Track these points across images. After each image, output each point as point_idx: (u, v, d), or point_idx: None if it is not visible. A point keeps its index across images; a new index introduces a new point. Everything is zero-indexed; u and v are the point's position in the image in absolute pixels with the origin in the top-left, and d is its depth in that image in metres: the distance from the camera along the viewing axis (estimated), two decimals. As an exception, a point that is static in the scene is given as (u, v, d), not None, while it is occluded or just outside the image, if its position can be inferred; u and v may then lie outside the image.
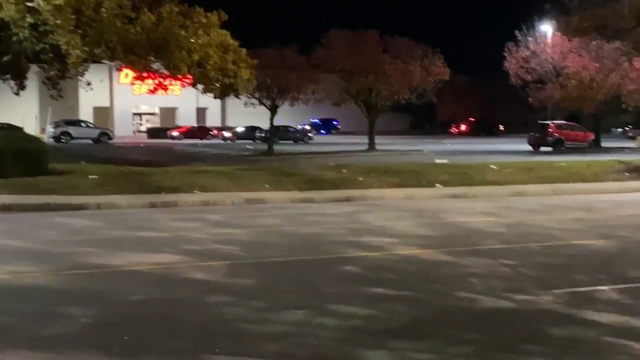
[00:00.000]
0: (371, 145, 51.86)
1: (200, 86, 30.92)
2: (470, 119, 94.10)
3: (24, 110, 75.01)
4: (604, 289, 10.26)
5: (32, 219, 17.05)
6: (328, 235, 14.99)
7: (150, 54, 27.77)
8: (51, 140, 63.38)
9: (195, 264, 11.84)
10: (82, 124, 70.39)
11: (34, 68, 32.17)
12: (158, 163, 33.49)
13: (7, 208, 18.61)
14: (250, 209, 19.59)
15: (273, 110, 48.72)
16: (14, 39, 26.17)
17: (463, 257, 12.55)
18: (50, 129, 66.99)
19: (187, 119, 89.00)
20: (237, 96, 33.10)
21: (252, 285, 10.49)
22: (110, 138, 67.38)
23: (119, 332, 8.15)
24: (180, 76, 29.09)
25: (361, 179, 25.21)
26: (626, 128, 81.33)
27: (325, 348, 7.73)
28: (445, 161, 34.38)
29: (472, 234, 15.25)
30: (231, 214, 18.47)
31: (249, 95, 44.45)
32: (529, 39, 55.10)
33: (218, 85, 29.50)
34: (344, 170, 27.48)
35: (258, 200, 21.09)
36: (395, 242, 14.06)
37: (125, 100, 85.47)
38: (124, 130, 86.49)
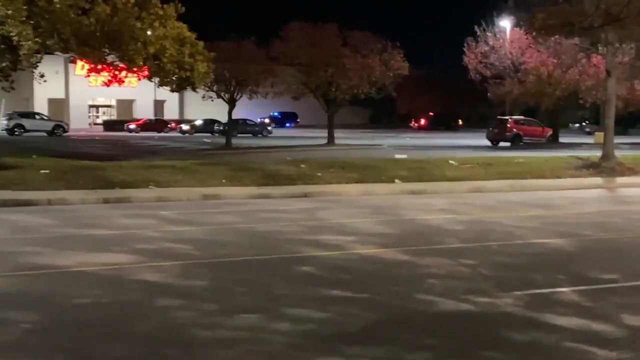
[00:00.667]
0: (330, 140, 51.59)
1: (156, 79, 30.33)
2: (430, 113, 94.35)
3: (-24, 102, 73.38)
4: (564, 291, 10.09)
5: (-22, 215, 16.47)
6: (285, 233, 14.69)
7: (104, 46, 27.13)
8: (4, 133, 62.17)
9: (146, 264, 11.45)
10: (37, 117, 69.08)
11: (-14, 59, 31.30)
12: (112, 157, 32.86)
13: (-48, 204, 18.02)
14: (206, 205, 19.21)
15: (231, 103, 48.17)
16: (-37, 29, 25.34)
17: (422, 256, 12.33)
18: (3, 121, 65.55)
19: (144, 111, 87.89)
20: (194, 89, 32.59)
21: (205, 287, 10.14)
22: (65, 131, 66.22)
23: (61, 339, 7.76)
24: (135, 69, 28.50)
25: (319, 174, 24.95)
26: (583, 124, 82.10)
27: (278, 355, 7.43)
28: (404, 156, 34.21)
29: (431, 232, 15.05)
30: (186, 210, 18.06)
31: (207, 89, 43.84)
32: (488, 34, 55.19)
33: (174, 78, 28.97)
34: (302, 165, 27.20)
35: (214, 196, 20.74)
36: (353, 241, 13.80)
37: (81, 92, 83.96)
38: (80, 122, 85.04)
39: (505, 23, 54.49)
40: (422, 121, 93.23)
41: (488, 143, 53.13)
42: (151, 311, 8.89)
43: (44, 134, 63.75)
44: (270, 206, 19.05)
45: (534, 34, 30.20)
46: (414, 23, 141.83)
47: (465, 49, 56.12)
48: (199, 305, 9.11)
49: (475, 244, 13.66)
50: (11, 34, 24.73)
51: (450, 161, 29.85)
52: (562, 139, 56.93)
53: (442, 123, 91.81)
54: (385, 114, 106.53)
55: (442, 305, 9.31)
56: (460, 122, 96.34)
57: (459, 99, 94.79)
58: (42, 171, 23.12)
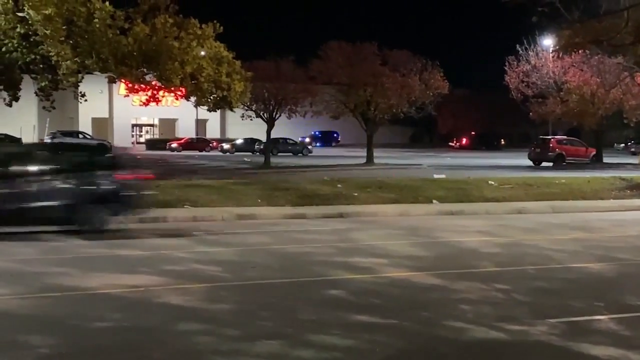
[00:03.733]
0: (369, 159, 51.29)
1: (193, 98, 30.42)
2: (471, 132, 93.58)
3: (22, 120, 74.52)
4: (602, 319, 9.68)
5: (11, 235, 16.44)
6: (316, 255, 14.43)
7: (142, 66, 27.28)
8: (47, 151, 62.89)
9: (172, 286, 11.26)
10: (80, 135, 69.86)
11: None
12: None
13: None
14: (240, 226, 19.05)
15: (270, 122, 48.20)
16: (4, 49, 25.67)
17: (455, 280, 11.98)
18: (47, 140, 66.54)
19: (186, 130, 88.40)
20: (230, 109, 32.63)
21: (229, 310, 9.92)
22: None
23: (78, 365, 7.59)
24: (173, 88, 28.61)
25: (356, 194, 24.67)
26: (628, 143, 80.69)
27: (298, 385, 7.16)
28: (443, 176, 33.82)
29: (466, 255, 14.68)
30: (219, 230, 17.93)
31: (246, 108, 43.90)
32: (530, 53, 54.62)
33: (211, 97, 29.01)
34: (339, 185, 26.95)
35: (249, 216, 20.57)
36: (384, 264, 13.49)
37: (125, 111, 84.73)
38: (123, 141, 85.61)
39: (547, 42, 53.85)
40: (464, 140, 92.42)
41: (530, 163, 52.33)
42: (171, 336, 8.67)
43: (87, 152, 64.28)
44: (304, 227, 18.83)
45: (562, 51, 29.63)
46: (454, 42, 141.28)
47: (506, 68, 55.63)
48: (220, 330, 8.89)
49: (511, 267, 13.27)
50: (50, 53, 25.03)
51: (490, 181, 29.37)
52: (606, 159, 55.87)
53: (484, 142, 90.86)
54: (426, 133, 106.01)
55: (472, 332, 8.96)
56: (502, 141, 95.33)
57: (500, 118, 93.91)
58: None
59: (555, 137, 55.40)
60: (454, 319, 9.56)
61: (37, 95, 31.33)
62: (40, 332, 8.70)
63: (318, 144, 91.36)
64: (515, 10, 23.49)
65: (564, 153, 53.12)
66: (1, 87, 30.14)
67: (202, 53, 28.58)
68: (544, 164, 51.36)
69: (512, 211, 22.71)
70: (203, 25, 28.89)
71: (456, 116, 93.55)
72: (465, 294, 11.00)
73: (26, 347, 8.14)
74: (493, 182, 29.08)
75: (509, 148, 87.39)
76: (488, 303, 10.49)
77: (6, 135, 62.07)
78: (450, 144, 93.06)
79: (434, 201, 24.11)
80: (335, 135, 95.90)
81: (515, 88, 54.90)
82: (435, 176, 33.80)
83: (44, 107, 31.97)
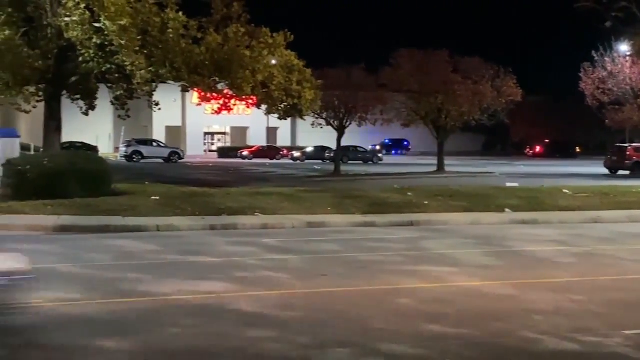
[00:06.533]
0: (440, 167, 50.93)
1: (264, 107, 30.67)
2: (546, 140, 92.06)
3: (99, 129, 76.29)
4: (681, 332, 9.39)
5: (88, 241, 16.85)
6: (386, 263, 14.36)
7: (214, 75, 27.62)
8: (123, 159, 64.30)
9: (243, 293, 11.35)
10: (154, 144, 71.17)
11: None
12: (223, 183, 33.32)
13: (67, 229, 18.55)
14: (310, 233, 19.10)
15: (340, 130, 48.27)
16: (80, 59, 26.31)
17: (528, 291, 11.78)
18: (122, 148, 68.00)
19: (258, 138, 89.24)
20: (301, 117, 32.78)
21: (299, 318, 9.94)
22: (180, 157, 67.94)
23: (149, 370, 7.69)
24: (244, 97, 28.89)
25: (426, 202, 24.47)
26: None
27: (368, 394, 7.13)
28: (516, 184, 33.31)
29: (540, 265, 14.42)
30: (290, 238, 18.00)
31: (316, 116, 44.07)
32: (606, 59, 53.46)
33: (282, 106, 29.19)
34: (409, 193, 26.77)
35: (319, 224, 20.60)
36: (455, 272, 13.35)
37: (197, 119, 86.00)
38: (196, 149, 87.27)
39: (624, 47, 52.64)
40: (538, 148, 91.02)
41: (606, 171, 51.21)
42: (241, 342, 8.73)
43: (161, 160, 65.55)
44: (374, 235, 18.77)
45: (636, 57, 28.82)
46: (528, 49, 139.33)
47: (581, 75, 54.57)
48: (291, 337, 8.91)
49: (586, 278, 12.99)
50: (125, 63, 25.52)
51: (564, 190, 28.80)
52: (687, 168, 54.24)
53: (559, 150, 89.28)
54: (499, 141, 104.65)
55: (545, 344, 8.79)
56: (577, 149, 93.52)
57: (575, 126, 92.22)
58: (152, 198, 23.55)
59: (632, 144, 54.05)
60: (526, 329, 9.39)
61: (112, 104, 31.98)
62: (114, 337, 8.85)
63: (390, 152, 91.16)
64: (589, 15, 23.02)
65: (641, 161, 51.77)
66: (78, 96, 30.83)
67: (273, 61, 28.81)
68: (621, 172, 50.16)
69: (587, 220, 22.24)
70: (274, 34, 29.10)
71: (530, 124, 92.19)
72: (538, 305, 10.80)
73: (101, 352, 8.30)
74: (567, 191, 28.50)
75: (585, 156, 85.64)
76: (562, 314, 10.29)
77: (83, 144, 63.61)
78: (524, 152, 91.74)
79: (507, 210, 23.76)
80: (405, 143, 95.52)
81: (591, 95, 53.81)
82: (508, 184, 33.32)
83: (119, 116, 32.63)
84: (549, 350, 8.60)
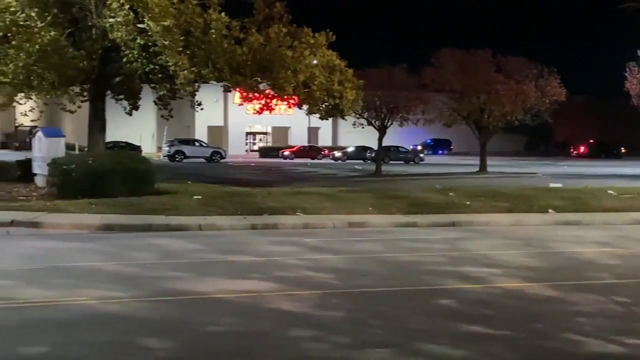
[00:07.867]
0: (482, 167, 50.58)
1: (305, 107, 30.72)
2: (590, 140, 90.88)
3: (142, 129, 77.00)
4: None
5: (131, 240, 17.03)
6: (427, 264, 14.30)
7: (256, 75, 27.75)
8: (166, 159, 64.85)
9: (283, 292, 11.38)
10: (196, 143, 71.66)
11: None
12: (264, 183, 33.45)
13: (110, 228, 18.78)
14: (351, 233, 19.09)
15: (382, 130, 48.18)
16: (125, 59, 26.60)
17: (571, 292, 11.64)
18: (165, 148, 68.59)
19: (299, 138, 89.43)
20: (342, 117, 32.77)
21: (339, 318, 9.94)
22: (222, 157, 68.35)
23: (192, 368, 7.75)
24: (285, 97, 28.97)
25: (468, 202, 24.33)
26: None
27: (408, 394, 7.10)
28: (559, 185, 32.96)
29: (583, 267, 14.25)
30: (331, 238, 18.01)
31: (357, 116, 44.02)
32: (653, 58, 52.55)
33: (323, 106, 29.22)
34: (450, 194, 26.64)
35: (360, 224, 20.59)
36: (497, 274, 13.24)
37: (239, 119, 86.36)
38: (238, 149, 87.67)
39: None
40: (582, 149, 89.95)
41: (652, 172, 50.48)
42: (282, 342, 8.75)
43: (203, 160, 66.00)
44: (415, 235, 18.71)
45: None
46: (573, 48, 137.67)
47: (627, 74, 53.73)
48: (331, 337, 8.91)
49: (631, 280, 12.81)
50: (169, 63, 25.74)
51: (609, 191, 28.41)
52: None
53: (604, 151, 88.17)
54: (542, 141, 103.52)
55: (589, 346, 8.69)
56: (622, 149, 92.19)
57: (620, 126, 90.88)
58: (194, 197, 23.72)
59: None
60: (570, 331, 9.29)
61: (155, 104, 32.32)
62: (156, 335, 8.94)
63: (433, 152, 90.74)
64: (635, 15, 22.68)
65: (688, 162, 50.93)
66: (122, 96, 31.20)
67: (315, 62, 28.85)
68: (667, 173, 49.41)
69: (631, 222, 21.93)
70: (316, 34, 29.16)
71: (573, 124, 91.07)
72: (582, 307, 10.68)
73: (144, 349, 8.38)
74: (612, 192, 28.11)
75: (630, 157, 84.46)
76: (606, 316, 10.15)
77: (127, 143, 64.35)
78: (568, 152, 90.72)
79: (550, 211, 23.52)
80: (447, 143, 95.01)
81: (636, 95, 52.86)
82: (551, 185, 32.99)
83: (162, 116, 32.94)
84: (593, 352, 8.50)
